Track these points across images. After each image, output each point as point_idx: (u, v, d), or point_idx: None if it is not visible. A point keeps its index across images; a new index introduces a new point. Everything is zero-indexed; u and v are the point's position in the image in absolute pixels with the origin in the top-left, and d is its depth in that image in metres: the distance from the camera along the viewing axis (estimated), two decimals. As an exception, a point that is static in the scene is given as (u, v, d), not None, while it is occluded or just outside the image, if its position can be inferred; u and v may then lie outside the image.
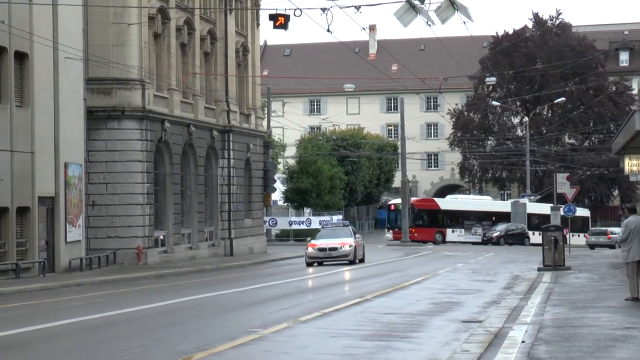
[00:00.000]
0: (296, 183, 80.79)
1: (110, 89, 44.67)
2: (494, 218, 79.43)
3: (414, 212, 76.32)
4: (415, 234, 75.62)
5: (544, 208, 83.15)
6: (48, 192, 38.15)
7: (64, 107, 39.03)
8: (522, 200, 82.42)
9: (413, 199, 79.57)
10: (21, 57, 36.27)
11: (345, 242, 44.65)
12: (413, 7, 23.20)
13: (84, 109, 41.88)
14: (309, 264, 44.44)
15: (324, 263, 44.34)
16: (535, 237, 79.20)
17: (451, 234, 77.78)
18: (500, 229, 77.64)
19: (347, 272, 38.33)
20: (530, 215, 79.57)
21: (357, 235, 46.28)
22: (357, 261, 44.38)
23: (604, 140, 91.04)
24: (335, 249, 44.31)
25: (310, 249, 44.96)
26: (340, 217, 79.18)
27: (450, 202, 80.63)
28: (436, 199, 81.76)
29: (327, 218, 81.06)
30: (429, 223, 77.61)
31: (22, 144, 36.13)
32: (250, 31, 59.70)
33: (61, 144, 38.80)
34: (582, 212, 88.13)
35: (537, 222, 79.73)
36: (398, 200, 78.02)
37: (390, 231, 78.72)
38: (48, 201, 38.32)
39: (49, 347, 16.27)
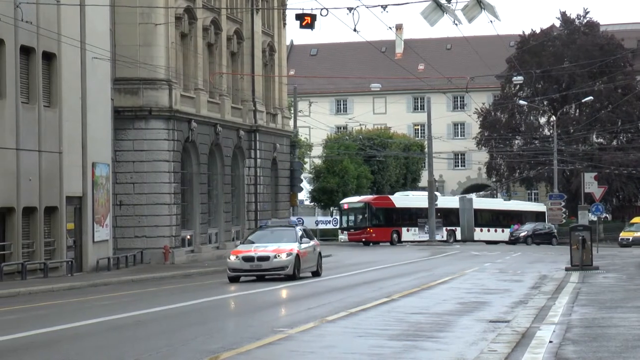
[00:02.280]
0: (322, 183, 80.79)
1: (138, 89, 44.80)
2: (444, 215, 76.47)
3: (371, 211, 73.17)
4: (373, 234, 72.57)
5: (491, 203, 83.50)
6: (76, 192, 38.31)
7: (92, 107, 39.18)
8: (468, 196, 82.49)
9: (369, 197, 76.15)
10: (49, 58, 36.43)
11: (283, 248, 32.66)
12: (440, 6, 23.16)
13: (111, 109, 42.02)
14: (233, 279, 32.67)
15: (249, 278, 32.95)
16: (484, 233, 79.67)
17: (406, 233, 74.72)
18: (527, 228, 77.38)
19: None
20: (476, 211, 78.37)
21: (304, 240, 34.13)
22: (298, 276, 32.80)
23: (632, 139, 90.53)
24: (266, 258, 32.32)
25: (232, 258, 32.83)
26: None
27: (404, 200, 76.61)
28: (391, 197, 77.20)
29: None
30: (386, 222, 73.74)
31: (50, 144, 36.29)
32: (276, 31, 59.76)
33: (89, 144, 38.95)
34: (538, 207, 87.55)
35: (484, 218, 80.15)
36: (351, 199, 75.36)
37: (345, 232, 75.25)
38: (76, 201, 38.47)
39: (76, 346, 16.33)
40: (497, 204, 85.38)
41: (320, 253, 35.60)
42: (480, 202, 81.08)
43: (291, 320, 19.14)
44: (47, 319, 20.32)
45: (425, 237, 74.24)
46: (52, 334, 17.69)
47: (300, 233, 34.38)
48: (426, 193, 77.23)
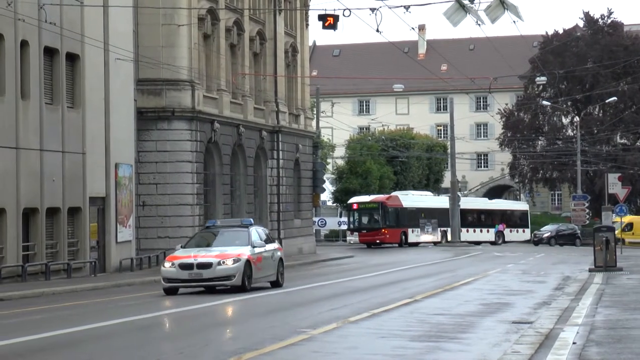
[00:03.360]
0: (345, 183, 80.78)
1: (160, 90, 44.91)
2: (438, 215, 74.66)
3: (385, 211, 70.24)
4: (387, 235, 69.98)
5: (476, 203, 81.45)
6: (99, 193, 38.44)
7: (115, 108, 39.30)
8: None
9: (381, 196, 72.80)
10: (72, 59, 36.58)
11: (230, 253, 27.40)
12: (463, 6, 23.11)
13: (134, 109, 42.14)
14: (169, 291, 27.54)
15: (188, 290, 28.07)
16: (470, 234, 77.38)
17: (411, 234, 72.30)
18: (550, 229, 77.10)
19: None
20: (462, 211, 75.36)
21: (258, 243, 28.58)
22: (249, 287, 27.50)
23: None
24: (207, 265, 27.03)
25: (167, 265, 27.63)
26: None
27: (411, 200, 73.61)
28: (400, 196, 73.49)
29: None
30: (396, 223, 70.74)
31: (74, 144, 36.43)
32: (299, 31, 59.78)
33: (112, 145, 39.08)
34: (522, 206, 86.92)
35: (471, 218, 78.11)
36: (362, 198, 72.52)
37: (355, 233, 71.80)
38: (99, 201, 38.61)
39: (100, 346, 16.39)
40: (483, 203, 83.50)
41: (282, 259, 30.09)
42: (466, 202, 78.69)
43: (313, 322, 19.12)
44: (71, 319, 20.39)
45: (429, 237, 73.18)
46: (76, 334, 17.76)
47: (254, 235, 28.79)
48: (425, 193, 76.94)
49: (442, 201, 76.20)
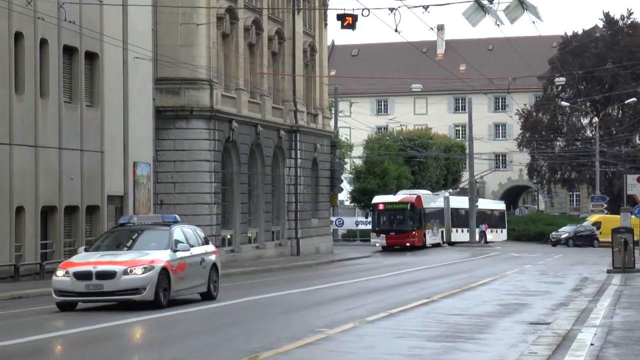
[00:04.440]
0: (363, 183, 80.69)
1: (179, 89, 44.98)
2: (436, 216, 71.76)
3: (414, 212, 66.29)
4: (416, 238, 65.99)
5: (463, 202, 76.45)
6: (117, 191, 38.53)
7: (133, 106, 39.38)
8: (447, 195, 76.53)
9: (410, 196, 67.93)
10: (91, 57, 36.67)
11: (142, 259, 22.11)
12: (482, 6, 23.07)
13: (152, 108, 42.22)
14: (64, 306, 22.11)
15: (86, 304, 22.65)
16: (458, 234, 74.67)
17: (430, 235, 69.08)
18: (568, 230, 76.80)
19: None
20: (452, 211, 73.58)
21: (182, 246, 23.28)
22: (164, 302, 22.02)
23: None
24: (110, 275, 21.73)
25: (60, 274, 22.15)
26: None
27: (428, 200, 70.41)
28: (422, 196, 69.47)
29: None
30: (420, 224, 66.94)
31: (92, 143, 36.52)
32: (317, 31, 59.79)
33: (130, 144, 39.16)
34: (500, 205, 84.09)
35: (459, 218, 75.03)
36: (389, 198, 68.57)
37: (382, 235, 66.43)
38: (117, 200, 38.69)
39: (116, 345, 16.42)
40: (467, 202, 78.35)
41: (215, 265, 24.79)
42: (455, 201, 75.52)
43: (330, 321, 19.10)
44: (87, 318, 20.41)
45: (435, 239, 70.46)
46: (92, 333, 17.80)
47: (177, 235, 23.59)
48: (425, 192, 72.36)
49: (439, 201, 73.22)
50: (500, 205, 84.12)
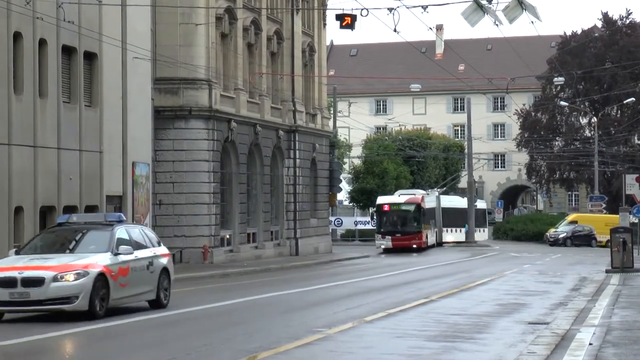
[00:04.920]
0: (362, 183, 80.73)
1: (178, 89, 44.99)
2: (430, 215, 69.84)
3: (421, 213, 64.17)
4: (423, 240, 64.12)
5: (452, 201, 76.01)
6: (116, 191, 38.52)
7: (132, 106, 39.37)
8: (438, 194, 75.18)
9: (416, 197, 65.89)
10: (90, 57, 36.65)
11: (75, 264, 19.82)
12: (481, 6, 23.08)
13: (151, 108, 42.21)
14: None
15: (13, 314, 20.27)
16: (448, 234, 73.79)
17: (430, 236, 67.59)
18: (566, 229, 76.81)
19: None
20: (442, 211, 72.21)
21: (124, 249, 20.96)
22: (101, 312, 19.81)
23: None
24: (37, 282, 19.45)
25: None
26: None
27: (427, 200, 68.58)
28: (423, 195, 67.92)
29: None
30: (423, 225, 64.81)
31: (91, 143, 36.50)
32: (316, 31, 59.80)
33: (129, 144, 39.14)
34: (482, 204, 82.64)
35: (449, 218, 74.09)
36: (395, 198, 65.94)
37: (387, 237, 63.15)
38: (116, 200, 38.68)
39: (115, 344, 16.43)
40: (458, 202, 77.09)
41: (167, 269, 22.66)
42: (445, 201, 74.17)
43: (329, 321, 19.10)
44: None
45: (433, 239, 69.18)
46: (91, 332, 17.79)
47: (119, 236, 21.28)
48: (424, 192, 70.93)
49: (432, 200, 71.78)
50: (482, 204, 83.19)
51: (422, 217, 63.93)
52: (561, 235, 75.56)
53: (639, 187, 58.09)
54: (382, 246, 63.06)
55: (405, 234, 62.87)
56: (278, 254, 53.07)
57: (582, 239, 74.82)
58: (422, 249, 62.67)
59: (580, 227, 76.77)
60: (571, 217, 78.86)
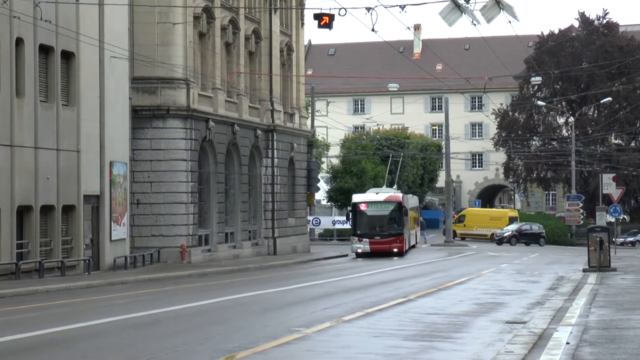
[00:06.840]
0: (340, 182, 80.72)
1: (155, 88, 44.88)
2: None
3: (402, 213, 56.82)
4: (402, 243, 56.19)
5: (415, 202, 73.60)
6: (93, 191, 38.40)
7: (110, 106, 39.27)
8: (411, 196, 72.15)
9: (397, 195, 58.82)
10: (68, 57, 36.53)
11: None
12: (458, 6, 23.14)
13: (129, 108, 42.11)
14: None
15: None
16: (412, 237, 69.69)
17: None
18: (512, 228, 76.88)
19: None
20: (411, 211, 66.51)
21: None
22: None
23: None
24: None
25: None
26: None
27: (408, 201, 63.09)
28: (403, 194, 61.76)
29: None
30: (403, 227, 57.42)
31: (68, 142, 36.39)
32: (294, 30, 59.79)
33: (106, 143, 39.04)
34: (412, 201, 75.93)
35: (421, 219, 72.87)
36: (372, 197, 57.92)
37: (365, 240, 55.05)
38: (93, 199, 38.57)
39: (93, 344, 16.37)
40: (414, 201, 72.01)
41: None
42: (409, 201, 67.21)
43: (307, 321, 19.10)
44: (65, 317, 20.38)
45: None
46: (70, 332, 17.74)
47: None
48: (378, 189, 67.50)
49: (415, 201, 69.93)
50: (413, 202, 73.40)
51: (401, 217, 56.58)
52: (506, 234, 75.67)
53: (616, 187, 58.36)
54: (359, 250, 55.28)
55: (385, 236, 55.46)
56: (256, 253, 53.04)
57: (529, 237, 75.02)
58: (402, 253, 55.73)
59: (528, 225, 77.15)
60: (463, 212, 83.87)
